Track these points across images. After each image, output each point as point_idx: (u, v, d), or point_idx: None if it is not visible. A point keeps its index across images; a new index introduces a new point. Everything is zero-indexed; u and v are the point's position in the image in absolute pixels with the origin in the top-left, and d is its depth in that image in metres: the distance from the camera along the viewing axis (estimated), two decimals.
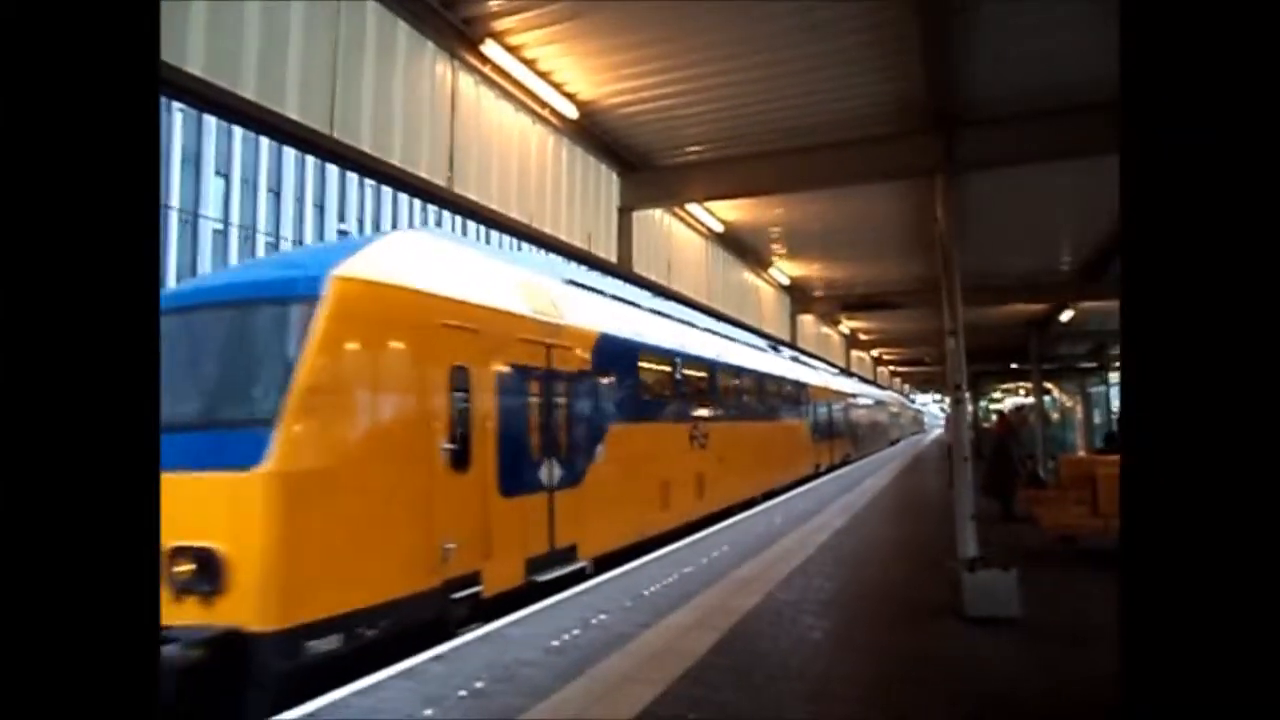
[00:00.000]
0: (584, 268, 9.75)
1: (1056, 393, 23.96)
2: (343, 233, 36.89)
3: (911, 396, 68.99)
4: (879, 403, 39.57)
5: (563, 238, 8.35)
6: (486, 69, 6.77)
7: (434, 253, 7.47)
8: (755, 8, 6.04)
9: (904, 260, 14.12)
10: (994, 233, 12.07)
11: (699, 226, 12.01)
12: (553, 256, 9.01)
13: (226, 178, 33.74)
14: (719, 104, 7.73)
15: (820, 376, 24.50)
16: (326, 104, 5.39)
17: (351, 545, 5.70)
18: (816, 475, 21.60)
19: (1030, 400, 22.72)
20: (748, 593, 7.51)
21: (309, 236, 37.12)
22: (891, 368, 43.11)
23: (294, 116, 5.15)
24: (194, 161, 31.90)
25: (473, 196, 6.89)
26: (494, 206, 7.19)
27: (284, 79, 5.09)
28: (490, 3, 6.03)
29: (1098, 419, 22.93)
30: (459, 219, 11.33)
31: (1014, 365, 25.25)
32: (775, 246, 13.75)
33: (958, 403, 7.98)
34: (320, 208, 38.67)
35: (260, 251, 34.01)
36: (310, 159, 33.64)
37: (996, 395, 26.09)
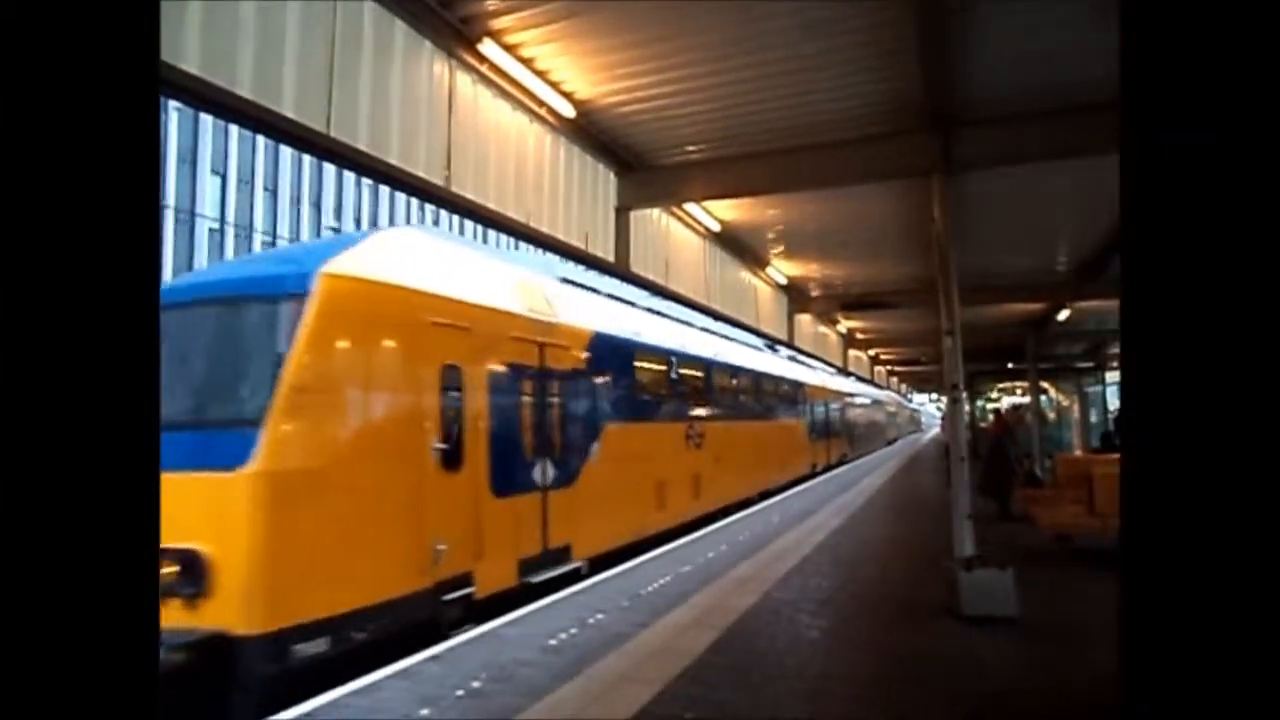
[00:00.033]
0: (581, 267, 9.74)
1: (1053, 392, 23.99)
2: (333, 230, 36.72)
3: (909, 396, 69.08)
4: (876, 402, 39.61)
5: (560, 237, 8.35)
6: (484, 68, 6.76)
7: (425, 250, 7.41)
8: (753, 7, 6.04)
9: (901, 260, 14.14)
10: (991, 232, 12.09)
11: (696, 226, 12.01)
12: (547, 254, 8.99)
13: (223, 176, 33.71)
14: (716, 103, 7.73)
15: (817, 376, 24.52)
16: (323, 102, 5.38)
17: (340, 547, 5.62)
18: (813, 475, 21.60)
19: (1027, 400, 22.75)
20: (745, 592, 7.51)
21: (306, 236, 37.09)
22: (889, 367, 43.17)
23: (290, 115, 5.14)
24: (190, 160, 31.87)
25: (470, 195, 6.88)
26: (491, 205, 7.18)
27: (280, 77, 5.08)
28: (487, 2, 6.01)
29: (1094, 418, 22.98)
30: (456, 218, 11.32)
31: (1011, 365, 25.30)
32: (773, 246, 13.75)
33: (954, 402, 7.99)
34: (317, 207, 38.64)
35: (257, 250, 33.93)
36: (307, 158, 33.58)
37: (993, 395, 26.09)
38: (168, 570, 4.94)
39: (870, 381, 37.63)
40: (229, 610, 4.94)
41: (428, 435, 6.44)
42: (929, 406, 79.38)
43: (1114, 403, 22.46)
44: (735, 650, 5.72)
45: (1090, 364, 24.94)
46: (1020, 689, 5.02)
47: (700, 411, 13.36)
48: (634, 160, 9.26)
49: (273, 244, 34.74)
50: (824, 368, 25.71)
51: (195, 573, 4.94)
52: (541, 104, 7.48)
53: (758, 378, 17.52)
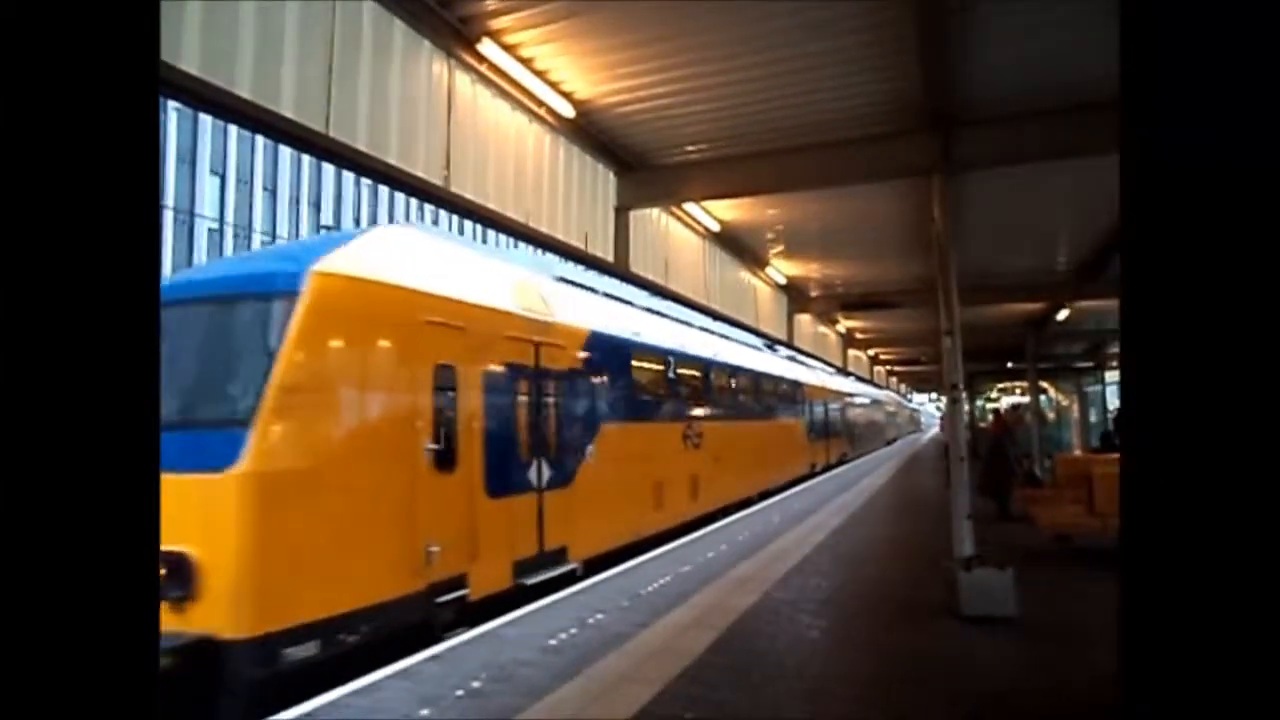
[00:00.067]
0: (580, 267, 9.73)
1: (1053, 392, 24.00)
2: (326, 228, 36.63)
3: (908, 396, 69.12)
4: (875, 402, 39.60)
5: (560, 237, 8.35)
6: (483, 68, 6.77)
7: (419, 248, 7.33)
8: (752, 7, 6.04)
9: (901, 260, 14.14)
10: (991, 232, 12.11)
11: (696, 226, 12.01)
12: (543, 253, 8.97)
13: (222, 177, 33.68)
14: (716, 103, 7.73)
15: (817, 376, 24.51)
16: (322, 102, 5.38)
17: (330, 548, 5.54)
18: (813, 475, 21.60)
19: (1026, 400, 22.76)
20: (745, 592, 7.51)
21: (305, 236, 37.04)
22: (888, 367, 43.20)
23: (290, 115, 5.14)
24: (190, 160, 31.84)
25: (469, 195, 6.88)
26: (491, 205, 7.18)
27: (279, 77, 5.08)
28: (487, 2, 6.02)
29: (1094, 418, 22.99)
30: (456, 218, 11.31)
31: (1010, 365, 25.32)
32: (772, 246, 13.75)
33: (954, 402, 7.99)
34: (317, 206, 38.62)
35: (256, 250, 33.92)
36: (306, 158, 33.58)
37: (993, 395, 26.10)
38: None
39: (870, 381, 37.65)
40: (216, 614, 4.87)
41: (420, 435, 6.37)
42: (928, 406, 79.44)
43: (1113, 402, 22.47)
44: (735, 650, 5.72)
45: (1090, 364, 24.96)
46: (1020, 689, 5.02)
47: (699, 411, 13.32)
48: (634, 160, 9.26)
49: (272, 244, 34.74)
50: (823, 367, 25.71)
51: (182, 575, 4.85)
52: (541, 104, 7.48)
53: (757, 377, 17.49)
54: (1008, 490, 12.78)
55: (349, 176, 38.00)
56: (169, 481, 5.04)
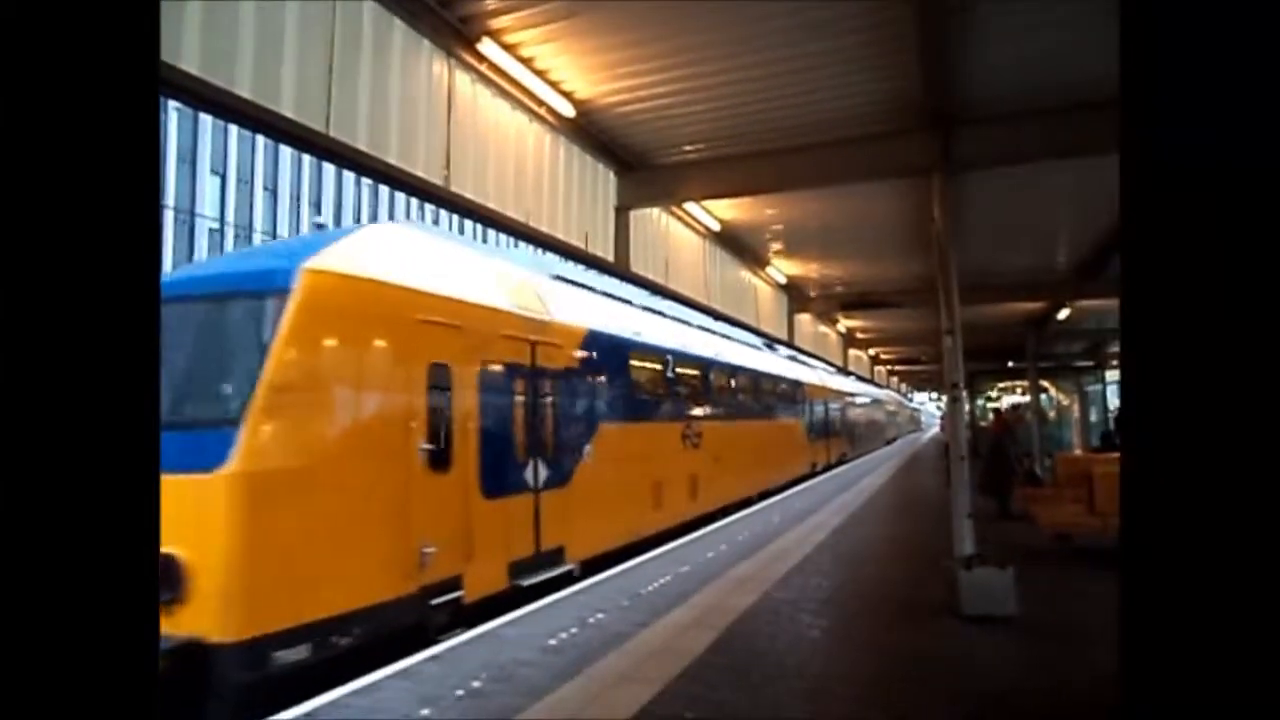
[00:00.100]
0: (581, 266, 9.73)
1: (1053, 391, 24.00)
2: (320, 225, 36.52)
3: (909, 395, 69.12)
4: (876, 401, 39.60)
5: (560, 237, 8.34)
6: (483, 67, 6.76)
7: (413, 245, 7.26)
8: (752, 7, 6.04)
9: (902, 259, 14.14)
10: (992, 231, 12.11)
11: (696, 225, 12.01)
12: (539, 251, 8.94)
13: (223, 176, 33.69)
14: (716, 103, 7.73)
15: (817, 375, 24.50)
16: (322, 102, 5.38)
17: (322, 550, 5.46)
18: (813, 474, 21.59)
19: (1027, 399, 22.76)
20: (745, 591, 7.51)
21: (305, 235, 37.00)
22: (888, 366, 43.20)
23: (290, 115, 5.14)
24: (190, 160, 31.85)
25: (469, 195, 6.87)
26: (491, 205, 7.18)
27: (280, 77, 5.08)
28: (486, 1, 6.02)
29: (1094, 417, 22.99)
30: (456, 217, 11.30)
31: (1011, 364, 25.32)
32: (773, 245, 13.76)
33: (954, 401, 7.99)
34: (317, 206, 38.64)
35: None
36: (307, 158, 33.58)
37: (993, 394, 26.10)
38: None
39: (870, 381, 37.64)
40: (205, 616, 4.79)
41: (414, 435, 6.29)
42: (929, 406, 79.45)
43: (1114, 401, 22.47)
44: (735, 650, 5.72)
45: (1090, 363, 24.96)
46: (1020, 688, 5.02)
47: (698, 411, 13.29)
48: (634, 160, 9.26)
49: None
50: (824, 367, 25.71)
51: (170, 577, 4.77)
52: (541, 103, 7.48)
53: (756, 377, 17.45)
54: (1008, 489, 12.78)
55: (349, 176, 38.02)
56: None
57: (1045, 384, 23.42)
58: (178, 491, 4.76)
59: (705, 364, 14.06)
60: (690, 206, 11.11)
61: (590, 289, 11.18)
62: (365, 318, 6.15)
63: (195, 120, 31.01)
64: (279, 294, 5.55)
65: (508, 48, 6.60)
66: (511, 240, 8.32)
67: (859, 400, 33.16)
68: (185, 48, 4.41)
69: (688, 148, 8.96)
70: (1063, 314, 18.08)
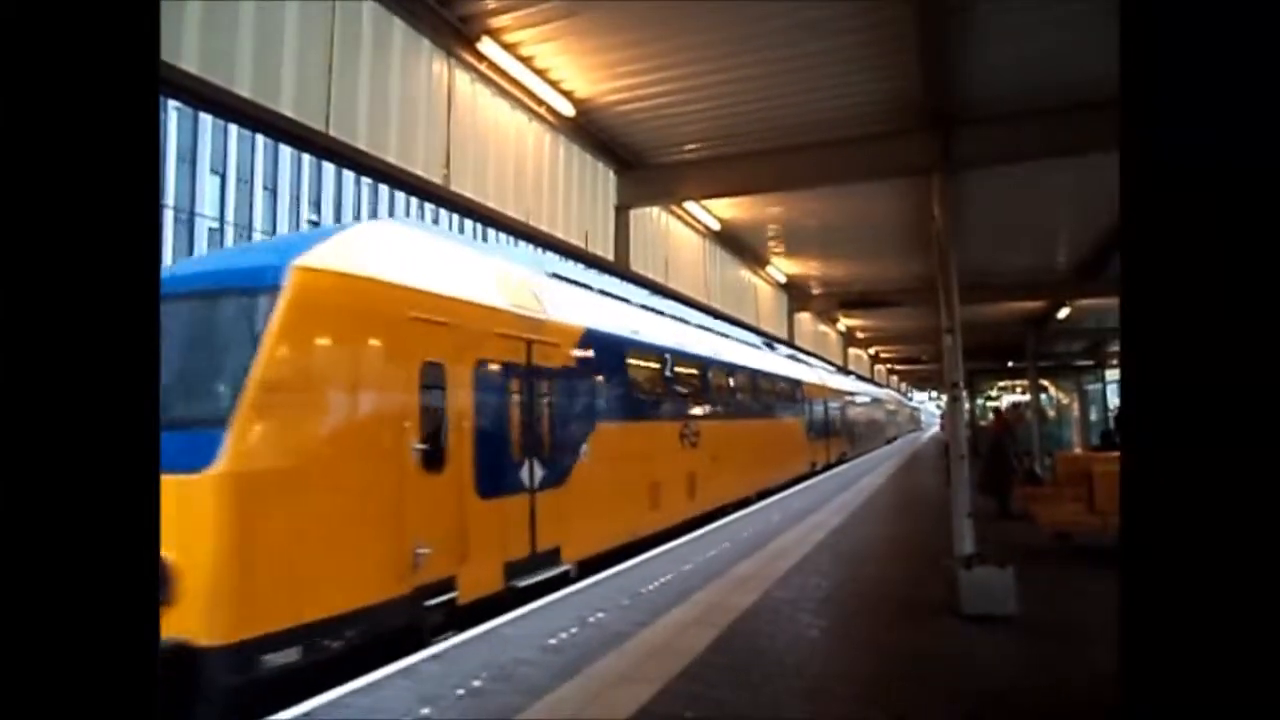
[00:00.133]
0: (581, 265, 9.73)
1: (1053, 390, 24.02)
2: (313, 223, 36.38)
3: (908, 394, 69.15)
4: (876, 400, 39.59)
5: (560, 235, 8.35)
6: (483, 66, 6.77)
7: (405, 243, 7.17)
8: (751, 7, 6.04)
9: (902, 258, 14.15)
10: (991, 231, 12.12)
11: (696, 224, 12.01)
12: (538, 250, 8.90)
13: (222, 176, 33.70)
14: (715, 102, 7.73)
15: (816, 374, 24.48)
16: (322, 101, 5.39)
17: (312, 551, 5.38)
18: (813, 474, 21.59)
19: (1027, 398, 22.77)
20: (745, 590, 7.51)
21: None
22: (888, 365, 43.22)
23: (289, 114, 5.15)
24: (190, 160, 31.86)
25: (469, 194, 6.88)
26: (490, 204, 7.18)
27: (279, 76, 5.08)
28: (486, 1, 6.02)
29: (1094, 416, 23.00)
30: (456, 216, 11.29)
31: (1011, 363, 25.33)
32: (773, 244, 13.77)
33: (954, 400, 7.99)
34: (317, 206, 38.64)
35: None
36: (306, 157, 33.59)
37: (993, 393, 26.12)
38: None
39: (870, 380, 37.65)
40: (192, 619, 4.68)
41: (407, 435, 6.20)
42: (929, 405, 79.50)
43: (1113, 401, 22.48)
44: (735, 649, 5.73)
45: (1090, 362, 24.97)
46: (1020, 687, 5.03)
47: (696, 410, 13.23)
48: (633, 159, 9.26)
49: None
50: (823, 366, 25.71)
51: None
52: (541, 102, 7.48)
53: (755, 376, 17.39)
54: (1008, 488, 12.78)
55: (349, 175, 38.02)
56: None
57: (1045, 383, 23.43)
58: (164, 492, 4.76)
59: (703, 363, 14.00)
60: (690, 205, 11.12)
61: (587, 287, 11.10)
62: (357, 315, 6.06)
63: (195, 119, 31.01)
64: (269, 291, 5.48)
65: (507, 47, 6.60)
66: (508, 239, 8.30)
67: (858, 399, 33.15)
68: (185, 47, 4.41)
69: (687, 147, 8.96)
70: (1062, 313, 18.10)
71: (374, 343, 6.14)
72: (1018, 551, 7.62)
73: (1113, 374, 23.11)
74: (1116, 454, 10.23)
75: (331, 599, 5.44)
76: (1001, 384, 26.43)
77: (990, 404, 24.43)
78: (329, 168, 37.31)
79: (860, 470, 23.88)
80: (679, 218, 11.55)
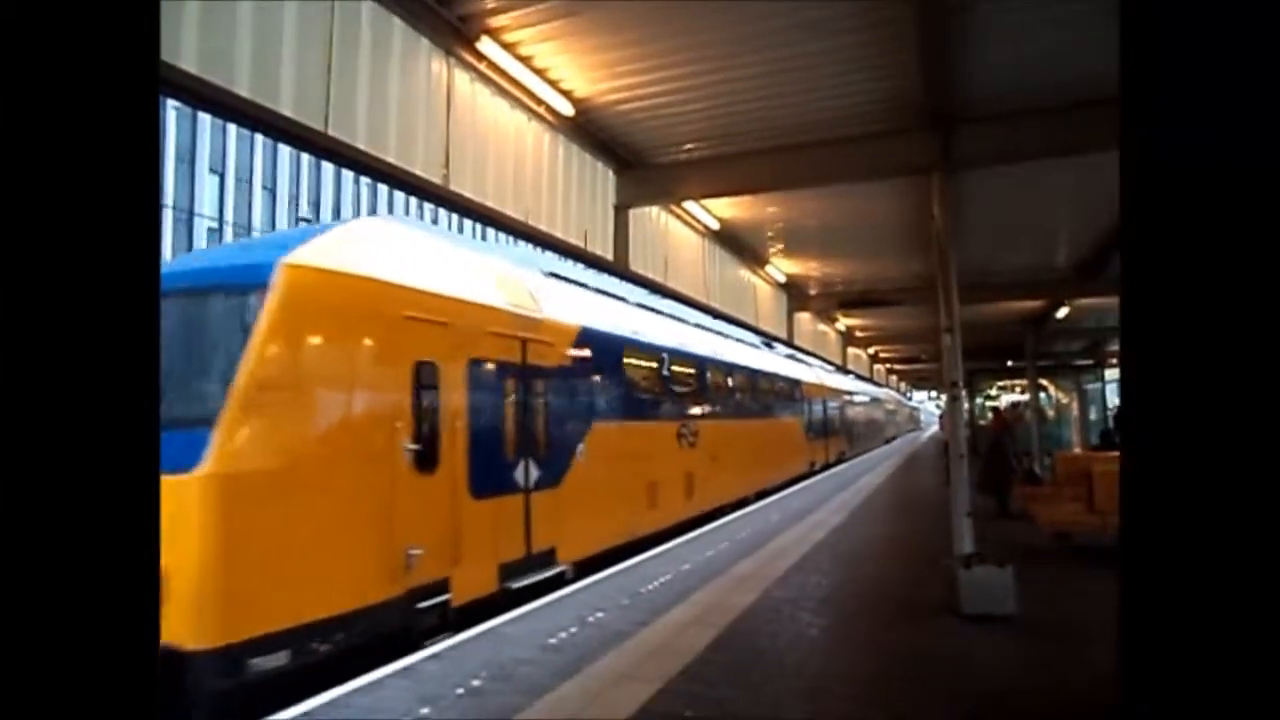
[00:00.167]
0: (580, 264, 9.72)
1: (1052, 390, 24.03)
2: (304, 220, 36.26)
3: (908, 394, 69.17)
4: (875, 400, 39.58)
5: (559, 235, 8.35)
6: (482, 66, 6.77)
7: (398, 240, 7.09)
8: (751, 6, 6.04)
9: (902, 258, 14.15)
10: (991, 230, 12.12)
11: (695, 224, 12.01)
12: (527, 246, 8.84)
13: (221, 176, 33.69)
14: (715, 101, 7.73)
15: (815, 373, 24.47)
16: (321, 101, 5.38)
17: (301, 554, 5.30)
18: (812, 473, 21.59)
19: (1026, 397, 22.78)
20: (745, 590, 7.52)
21: None
22: (888, 365, 43.23)
23: (288, 114, 5.14)
24: (189, 159, 31.85)
25: (468, 194, 6.88)
26: (490, 204, 7.18)
27: (278, 76, 5.08)
28: (486, 0, 6.02)
29: (1093, 416, 23.01)
30: (455, 216, 11.28)
31: (1010, 363, 25.34)
32: (772, 244, 13.77)
33: (954, 400, 8.00)
34: (316, 206, 38.63)
35: None
36: (305, 157, 33.58)
37: (993, 392, 26.13)
38: None
39: (869, 379, 37.65)
40: (178, 623, 4.54)
41: (399, 435, 6.11)
42: (928, 404, 79.54)
43: (1113, 400, 22.49)
44: (735, 648, 5.73)
45: (1089, 361, 24.99)
46: (1019, 688, 5.03)
47: (694, 410, 13.18)
48: (633, 158, 9.26)
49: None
50: (822, 365, 25.71)
51: None
52: (540, 102, 7.48)
53: (754, 375, 17.32)
54: (1007, 488, 12.79)
55: (349, 175, 38.02)
56: None
57: (1044, 382, 23.44)
58: None
59: (701, 362, 13.93)
60: (689, 205, 11.12)
61: (584, 286, 11.01)
62: (347, 314, 5.97)
63: (194, 119, 31.01)
64: (257, 289, 5.40)
65: (507, 46, 6.60)
66: (505, 237, 8.28)
67: (858, 399, 33.15)
68: (184, 47, 4.41)
69: (687, 146, 8.96)
70: (1061, 312, 18.11)
71: (365, 341, 6.05)
72: (1017, 551, 7.62)
73: (1112, 374, 23.12)
74: (1116, 454, 10.25)
75: (321, 601, 5.36)
76: (1001, 383, 26.44)
77: (989, 403, 24.42)
78: (328, 167, 37.35)
79: (859, 470, 23.89)
80: (678, 217, 11.55)
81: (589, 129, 8.39)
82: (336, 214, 39.25)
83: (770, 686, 4.93)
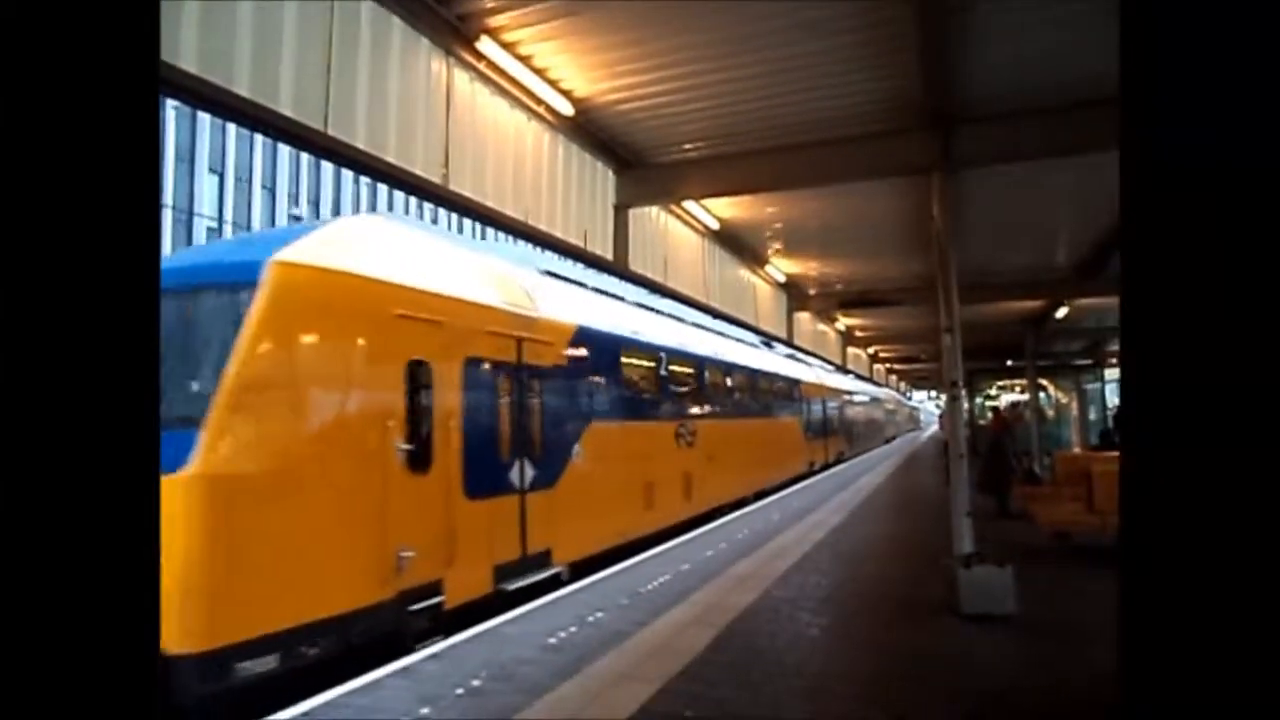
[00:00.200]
0: (580, 264, 9.72)
1: (1052, 390, 24.03)
2: (296, 218, 36.04)
3: (908, 394, 69.18)
4: (874, 400, 39.57)
5: (559, 235, 8.34)
6: (482, 65, 6.76)
7: (391, 238, 7.02)
8: (751, 6, 6.04)
9: (902, 257, 14.15)
10: (991, 230, 12.12)
11: (695, 224, 12.01)
12: (523, 244, 8.82)
13: (221, 175, 33.68)
14: (715, 101, 7.73)
15: (814, 373, 24.46)
16: (321, 101, 5.38)
17: (289, 556, 5.24)
18: (811, 473, 21.58)
19: (1026, 397, 22.78)
20: (745, 590, 7.52)
21: None
22: (888, 365, 43.23)
23: (288, 113, 5.14)
24: (188, 159, 31.84)
25: (468, 193, 6.87)
26: (489, 203, 7.18)
27: (278, 76, 5.08)
28: (485, 0, 6.02)
29: (1093, 416, 23.02)
30: (455, 215, 11.27)
31: (1010, 362, 25.35)
32: (772, 244, 13.77)
33: (954, 400, 7.99)
34: (316, 205, 38.62)
35: None
36: (305, 156, 33.58)
37: (993, 392, 26.14)
38: None
39: (869, 379, 37.65)
40: (163, 627, 4.57)
41: (391, 435, 6.03)
42: (928, 404, 79.55)
43: (1113, 400, 22.50)
44: (735, 648, 5.73)
45: (1089, 361, 24.99)
46: (1020, 687, 5.03)
47: (692, 409, 13.14)
48: (633, 158, 9.26)
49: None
50: (822, 365, 25.70)
51: None
52: (540, 102, 7.48)
53: (752, 375, 17.28)
54: (1007, 488, 12.80)
55: (348, 174, 38.02)
56: None
57: (1044, 382, 23.45)
58: None
59: (700, 361, 13.88)
60: (689, 205, 11.12)
61: (581, 284, 10.97)
62: (338, 312, 5.89)
63: (193, 119, 30.98)
64: (246, 287, 5.33)
65: (506, 46, 6.60)
66: (501, 235, 8.26)
67: (857, 398, 33.14)
68: (183, 46, 4.40)
69: (687, 146, 8.96)
70: (1061, 312, 18.11)
71: (356, 340, 5.96)
72: (1017, 551, 7.63)
73: (1112, 373, 23.12)
74: (1115, 454, 10.25)
75: (310, 605, 5.29)
76: (1001, 383, 26.44)
77: (989, 403, 24.43)
78: (328, 167, 37.33)
79: (859, 469, 23.90)
80: (678, 217, 11.54)
81: (589, 129, 8.38)
82: (336, 214, 39.22)
83: (770, 686, 4.93)
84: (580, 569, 8.46)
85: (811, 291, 18.00)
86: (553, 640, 5.87)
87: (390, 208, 41.42)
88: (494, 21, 6.30)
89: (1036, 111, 7.66)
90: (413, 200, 34.88)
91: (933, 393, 69.54)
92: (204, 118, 30.56)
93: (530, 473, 7.88)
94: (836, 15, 6.18)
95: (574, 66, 7.01)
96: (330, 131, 5.43)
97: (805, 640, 5.94)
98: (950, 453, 8.00)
